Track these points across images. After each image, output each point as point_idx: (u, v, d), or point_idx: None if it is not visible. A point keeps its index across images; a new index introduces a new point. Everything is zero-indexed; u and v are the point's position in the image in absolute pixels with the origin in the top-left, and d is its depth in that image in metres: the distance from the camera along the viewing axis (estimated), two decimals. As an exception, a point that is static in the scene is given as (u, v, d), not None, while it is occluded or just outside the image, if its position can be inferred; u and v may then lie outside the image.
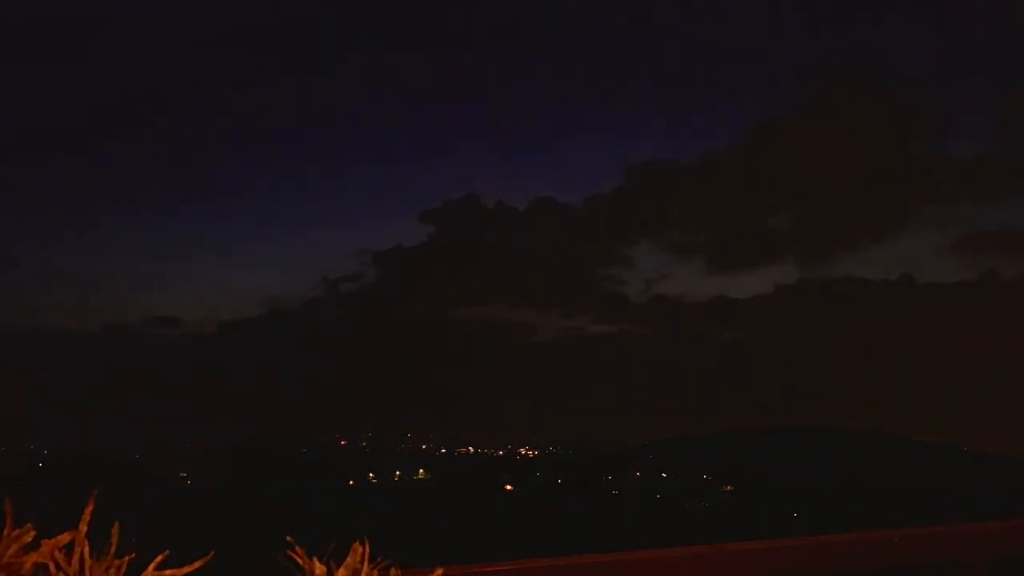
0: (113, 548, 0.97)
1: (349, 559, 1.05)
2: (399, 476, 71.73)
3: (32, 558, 0.95)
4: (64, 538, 0.95)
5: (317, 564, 1.04)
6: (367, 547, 1.05)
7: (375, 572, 1.07)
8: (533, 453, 79.05)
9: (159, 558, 0.99)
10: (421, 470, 72.89)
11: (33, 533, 0.97)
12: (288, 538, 1.03)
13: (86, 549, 0.96)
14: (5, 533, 0.95)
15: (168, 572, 0.98)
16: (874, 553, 2.48)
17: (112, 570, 0.97)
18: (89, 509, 0.96)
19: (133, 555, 0.98)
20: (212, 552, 0.97)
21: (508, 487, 68.03)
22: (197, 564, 0.97)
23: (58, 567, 0.96)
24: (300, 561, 1.05)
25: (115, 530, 0.97)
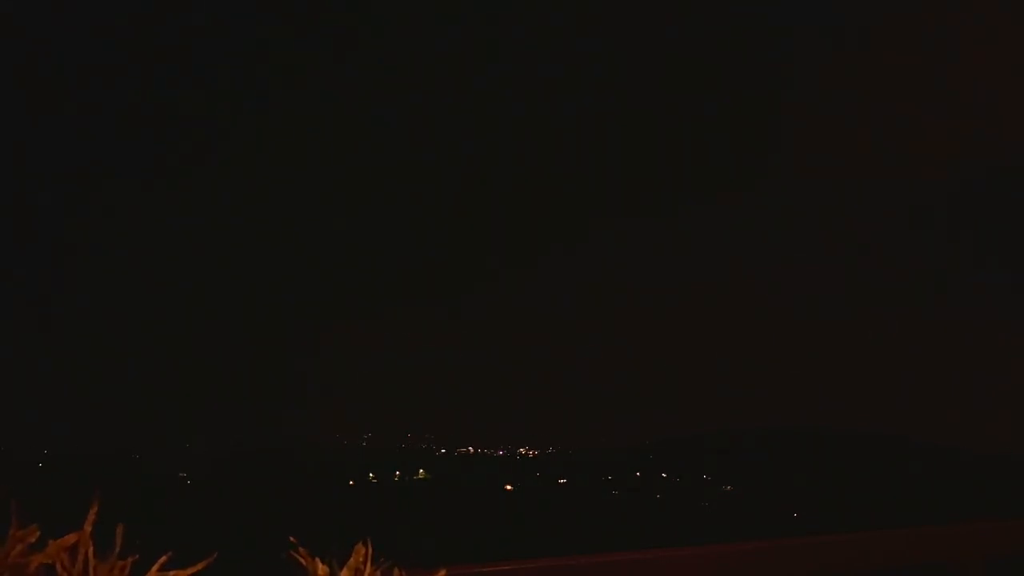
0: (118, 549, 0.97)
1: (352, 560, 1.05)
2: (399, 476, 71.66)
3: (38, 559, 0.95)
4: (70, 539, 0.95)
5: (320, 564, 1.04)
6: (369, 547, 1.05)
7: (378, 573, 1.07)
8: (533, 453, 78.93)
9: (162, 559, 0.99)
10: (421, 470, 72.80)
11: (38, 533, 0.97)
12: (291, 538, 1.03)
13: (91, 550, 0.96)
14: (11, 533, 0.95)
15: (172, 573, 0.98)
16: (874, 553, 2.48)
17: (116, 571, 0.97)
18: (94, 510, 0.96)
19: (137, 556, 0.99)
20: (215, 553, 0.98)
21: (508, 487, 67.97)
22: (200, 566, 0.97)
23: (63, 568, 0.96)
24: (303, 561, 1.05)
25: (119, 531, 0.97)
